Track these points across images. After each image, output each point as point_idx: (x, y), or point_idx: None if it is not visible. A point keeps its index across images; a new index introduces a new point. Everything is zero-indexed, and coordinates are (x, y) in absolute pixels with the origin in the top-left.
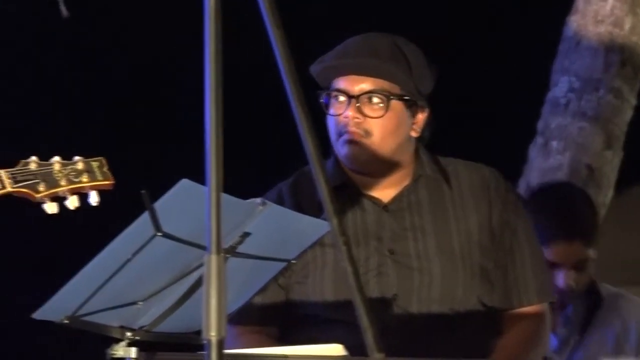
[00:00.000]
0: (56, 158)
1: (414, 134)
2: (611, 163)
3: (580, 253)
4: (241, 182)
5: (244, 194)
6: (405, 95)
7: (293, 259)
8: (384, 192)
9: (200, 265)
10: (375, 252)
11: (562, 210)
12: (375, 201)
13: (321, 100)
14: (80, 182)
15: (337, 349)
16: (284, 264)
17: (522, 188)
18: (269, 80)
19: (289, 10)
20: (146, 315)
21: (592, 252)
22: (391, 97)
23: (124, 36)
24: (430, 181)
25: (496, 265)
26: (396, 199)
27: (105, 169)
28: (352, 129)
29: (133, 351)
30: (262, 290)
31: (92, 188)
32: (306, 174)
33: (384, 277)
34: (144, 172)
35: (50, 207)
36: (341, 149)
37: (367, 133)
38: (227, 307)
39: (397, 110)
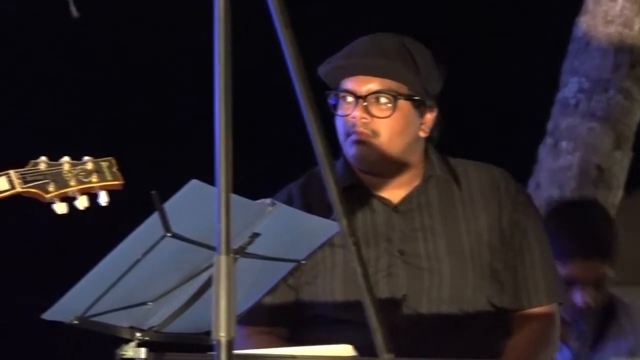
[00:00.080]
0: (66, 158)
1: (422, 134)
2: (620, 163)
3: (599, 271)
4: (251, 182)
5: (253, 195)
6: (413, 95)
7: (302, 260)
8: (394, 192)
9: (210, 266)
10: (385, 253)
11: (581, 228)
12: (385, 202)
13: (329, 101)
14: (89, 182)
15: (347, 350)
16: (293, 265)
17: (531, 188)
18: (278, 80)
19: (293, 10)
20: (156, 316)
21: (610, 270)
22: (398, 97)
23: (129, 35)
24: (440, 182)
25: (506, 266)
26: (406, 200)
27: (114, 169)
28: (360, 129)
29: (142, 352)
30: (272, 290)
31: (102, 188)
32: (316, 175)
33: (393, 277)
34: (153, 172)
35: (60, 207)
36: (349, 150)
37: (375, 133)
38: (237, 308)
39: (404, 110)
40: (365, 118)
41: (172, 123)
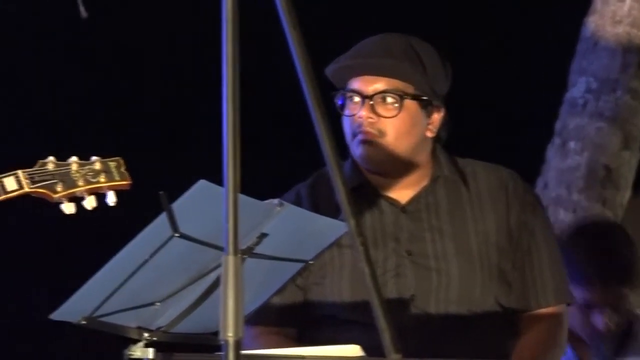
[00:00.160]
0: (73, 158)
1: (429, 134)
2: (629, 163)
3: (620, 294)
4: (259, 183)
5: (261, 195)
6: (419, 95)
7: (310, 260)
8: (402, 193)
9: (218, 266)
10: (393, 253)
11: (602, 252)
12: (393, 202)
13: (336, 101)
14: (97, 182)
15: (355, 350)
16: (301, 265)
17: (539, 188)
18: (287, 81)
19: (301, 11)
20: (164, 316)
21: (631, 292)
22: (405, 96)
23: (134, 35)
24: (448, 182)
25: (514, 267)
26: (414, 200)
27: (122, 169)
28: (366, 129)
29: (150, 352)
30: (280, 291)
31: (110, 188)
32: (324, 175)
33: (401, 278)
34: (161, 172)
35: (68, 208)
36: (356, 149)
37: (381, 133)
38: (245, 308)
39: (411, 110)
40: (371, 118)
41: (180, 123)
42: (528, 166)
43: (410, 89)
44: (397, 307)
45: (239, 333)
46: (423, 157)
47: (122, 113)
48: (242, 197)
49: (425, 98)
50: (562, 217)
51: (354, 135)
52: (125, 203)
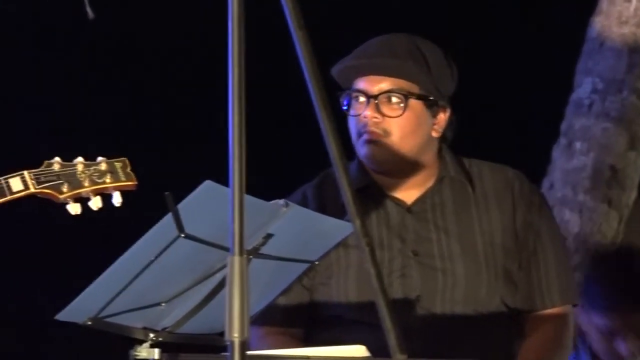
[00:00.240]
0: (79, 159)
1: (435, 134)
2: (635, 164)
3: None
4: (264, 183)
5: (267, 196)
6: (424, 95)
7: (316, 261)
8: (408, 193)
9: (224, 267)
10: (398, 254)
11: (624, 278)
12: (399, 202)
13: (342, 101)
14: (103, 182)
15: (360, 350)
16: (307, 266)
17: (545, 188)
18: (293, 81)
19: (306, 11)
20: (169, 317)
21: None
22: (410, 96)
23: (138, 34)
24: (454, 182)
25: (520, 267)
26: (419, 200)
27: (128, 169)
28: (371, 128)
29: (156, 352)
30: (286, 291)
31: (115, 189)
32: (330, 176)
33: (407, 278)
34: (167, 173)
35: (74, 208)
36: (361, 149)
37: (386, 133)
38: (251, 309)
39: (416, 110)
40: (376, 117)
41: (185, 124)
42: (534, 166)
43: (415, 88)
44: (402, 308)
45: (245, 334)
46: (429, 157)
47: (128, 113)
48: (248, 198)
49: (430, 98)
50: (568, 218)
51: (359, 135)
52: (131, 204)
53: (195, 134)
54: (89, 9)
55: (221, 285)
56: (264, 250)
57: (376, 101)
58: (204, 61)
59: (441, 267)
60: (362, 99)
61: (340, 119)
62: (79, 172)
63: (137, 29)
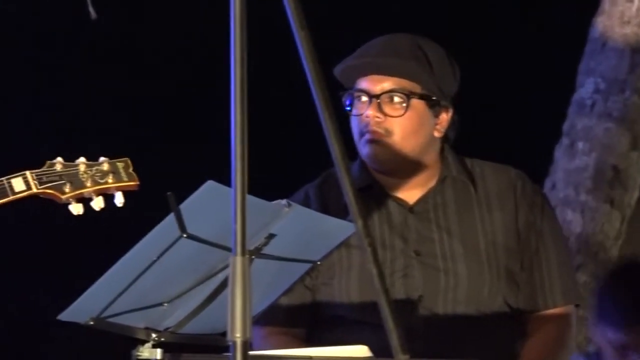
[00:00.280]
0: (81, 159)
1: (437, 134)
2: (637, 164)
3: None
4: (267, 183)
5: (269, 196)
6: (426, 95)
7: (318, 261)
8: (410, 193)
9: (226, 267)
10: (401, 254)
11: (637, 292)
12: (401, 202)
13: (344, 101)
14: (105, 183)
15: (363, 351)
16: (309, 266)
17: (547, 188)
18: (294, 81)
19: (308, 11)
20: (172, 317)
21: None
22: (412, 96)
23: (140, 34)
24: (456, 182)
25: (522, 267)
26: (422, 200)
27: (130, 169)
28: (373, 128)
29: (158, 352)
30: (289, 291)
31: (118, 189)
32: (333, 176)
33: (409, 278)
34: (169, 173)
35: (76, 208)
36: (363, 149)
37: (388, 132)
38: (253, 309)
39: (418, 110)
40: (378, 117)
41: (187, 124)
42: (536, 167)
43: (417, 88)
44: (405, 308)
45: (247, 334)
46: (431, 157)
47: (129, 113)
48: (250, 198)
49: (433, 98)
50: (570, 218)
51: (362, 134)
52: (133, 204)
53: (197, 134)
54: (91, 9)
55: (223, 285)
56: (266, 250)
57: (378, 101)
58: (205, 61)
59: (443, 267)
60: (364, 98)
61: (342, 119)
62: (81, 173)
63: (138, 29)
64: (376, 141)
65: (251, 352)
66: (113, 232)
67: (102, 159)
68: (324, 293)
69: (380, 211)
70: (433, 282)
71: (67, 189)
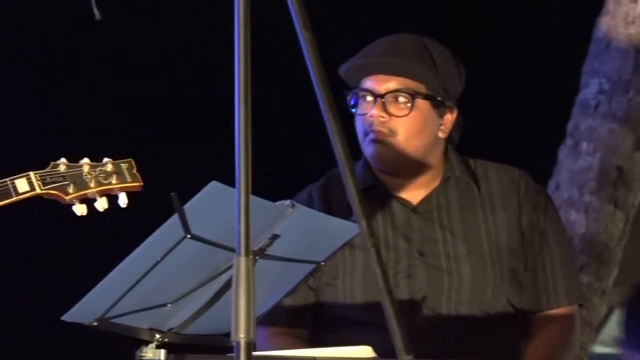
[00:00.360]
0: (85, 160)
1: (441, 135)
2: None
3: None
4: (270, 184)
5: (273, 196)
6: (431, 95)
7: (322, 261)
8: (413, 193)
9: (230, 267)
10: (404, 254)
11: None
12: (404, 203)
13: (349, 100)
14: (109, 183)
15: (366, 351)
16: (313, 266)
17: (551, 189)
18: (298, 81)
19: (311, 11)
20: (175, 317)
21: None
22: (416, 96)
23: (143, 34)
24: (460, 182)
25: (525, 267)
26: (425, 201)
27: (134, 170)
28: (378, 127)
29: (162, 353)
30: (292, 291)
31: (121, 190)
32: (336, 176)
33: (413, 279)
34: (173, 174)
35: (80, 209)
36: (367, 148)
37: (393, 132)
38: (257, 309)
39: (423, 110)
40: (383, 117)
41: (191, 124)
42: (540, 167)
43: (422, 88)
44: (408, 308)
45: (251, 334)
46: (435, 157)
47: (133, 114)
48: (254, 199)
49: (437, 98)
50: (574, 218)
51: (366, 134)
52: (137, 205)
53: (201, 134)
54: (95, 10)
55: (227, 286)
56: (270, 251)
57: (383, 100)
58: (209, 61)
59: (447, 267)
60: (369, 98)
61: (346, 119)
62: (84, 173)
63: (141, 29)
64: (380, 141)
65: (255, 353)
66: (117, 233)
67: (105, 159)
68: (327, 294)
69: (383, 211)
70: (437, 283)
71: (70, 189)
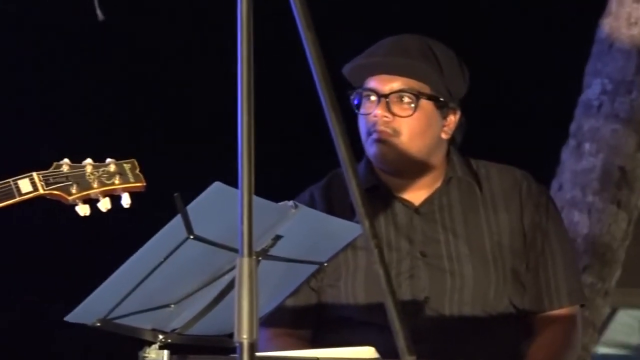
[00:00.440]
0: (88, 160)
1: (444, 136)
2: None
3: None
4: (273, 184)
5: (276, 197)
6: (435, 96)
7: (325, 262)
8: (416, 194)
9: (233, 268)
10: (407, 255)
11: None
12: (407, 203)
13: (352, 100)
14: (112, 184)
15: (369, 352)
16: (316, 267)
17: (554, 189)
18: (302, 81)
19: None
20: (178, 318)
21: None
22: (421, 96)
23: (147, 35)
24: (462, 183)
25: (527, 268)
26: (427, 201)
27: (137, 170)
28: (381, 127)
29: (165, 354)
30: (294, 292)
31: (124, 190)
32: (338, 177)
33: (415, 279)
34: (176, 174)
35: (83, 209)
36: (370, 148)
37: (396, 132)
38: (260, 310)
39: (427, 111)
40: (387, 117)
41: (194, 125)
42: (543, 168)
43: (426, 89)
44: (411, 309)
45: (254, 335)
46: (437, 158)
47: (137, 114)
48: (257, 199)
49: (441, 99)
50: (577, 219)
51: (369, 134)
52: (140, 205)
53: (204, 135)
54: (98, 11)
55: (230, 286)
56: (273, 251)
57: (387, 100)
58: (212, 61)
59: (449, 268)
60: (373, 98)
61: (348, 120)
62: (87, 174)
63: (144, 29)
64: (383, 141)
65: (258, 354)
66: (120, 234)
67: (108, 160)
68: (329, 295)
69: (386, 212)
70: (439, 283)
71: (73, 190)
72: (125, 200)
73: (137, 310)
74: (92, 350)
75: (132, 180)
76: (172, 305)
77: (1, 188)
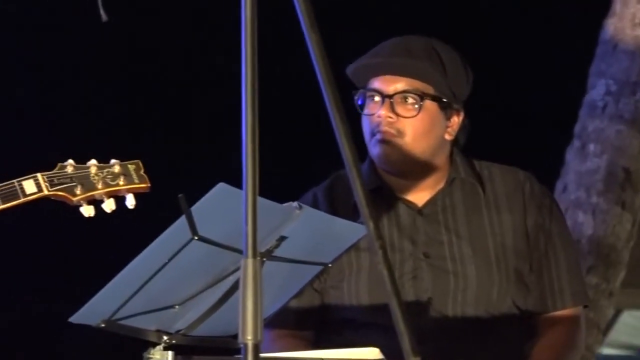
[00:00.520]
0: (93, 161)
1: (448, 137)
2: None
3: None
4: (277, 185)
5: (280, 198)
6: (438, 96)
7: (330, 263)
8: (419, 195)
9: (237, 269)
10: (410, 256)
11: None
12: (410, 205)
13: (356, 100)
14: (116, 185)
15: (373, 353)
16: (320, 268)
17: (558, 190)
18: (305, 82)
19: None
20: (183, 319)
21: None
22: (425, 97)
23: (151, 36)
24: (465, 184)
25: (531, 269)
26: (430, 202)
27: (141, 172)
28: (385, 128)
29: (169, 355)
30: (298, 294)
31: (129, 191)
32: (341, 178)
33: (418, 280)
34: (180, 175)
35: (87, 210)
36: (373, 149)
37: (400, 133)
38: (264, 311)
39: (431, 111)
40: (391, 117)
41: (199, 126)
42: (547, 169)
43: (430, 89)
44: (414, 310)
45: (258, 336)
46: (441, 159)
47: (141, 115)
48: (261, 200)
49: (444, 100)
50: (582, 220)
51: (373, 134)
52: (145, 206)
53: (208, 135)
54: (102, 12)
55: (235, 287)
56: (278, 252)
57: (391, 101)
58: (216, 62)
59: (452, 269)
60: (377, 98)
61: (352, 120)
62: (92, 175)
63: (147, 29)
64: (387, 141)
65: (262, 355)
66: (124, 235)
67: (113, 161)
68: (333, 296)
69: (389, 213)
70: (442, 285)
71: (78, 191)
72: (130, 201)
73: (142, 311)
74: (96, 351)
75: (136, 181)
76: (177, 306)
77: (6, 189)
